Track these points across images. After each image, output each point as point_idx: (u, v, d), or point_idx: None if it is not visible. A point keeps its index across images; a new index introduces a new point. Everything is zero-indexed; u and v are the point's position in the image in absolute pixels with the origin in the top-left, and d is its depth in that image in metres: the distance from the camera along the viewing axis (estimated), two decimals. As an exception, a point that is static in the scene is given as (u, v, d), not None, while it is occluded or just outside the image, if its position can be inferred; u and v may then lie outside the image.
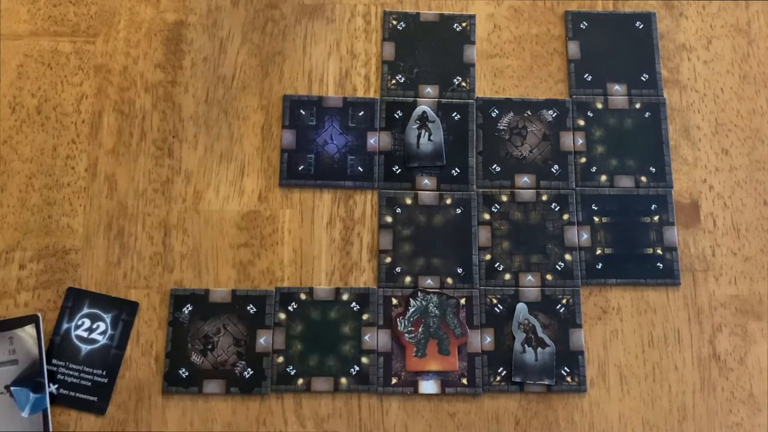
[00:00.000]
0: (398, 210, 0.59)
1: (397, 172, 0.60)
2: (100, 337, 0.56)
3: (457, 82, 0.62)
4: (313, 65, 0.62)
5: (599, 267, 0.58)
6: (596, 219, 0.59)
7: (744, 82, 0.63)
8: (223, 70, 0.62)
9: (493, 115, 0.61)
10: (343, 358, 0.56)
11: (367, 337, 0.56)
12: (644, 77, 0.62)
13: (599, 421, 0.56)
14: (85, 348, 0.55)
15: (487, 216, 0.59)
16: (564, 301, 0.58)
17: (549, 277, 0.58)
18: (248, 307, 0.57)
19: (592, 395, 0.56)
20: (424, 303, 0.57)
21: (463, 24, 0.63)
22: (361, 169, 0.60)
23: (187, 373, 0.55)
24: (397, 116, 0.61)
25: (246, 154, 0.60)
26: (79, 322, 0.56)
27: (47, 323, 0.56)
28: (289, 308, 0.57)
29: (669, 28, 0.64)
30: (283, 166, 0.60)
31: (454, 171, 0.60)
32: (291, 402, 0.56)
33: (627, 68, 0.62)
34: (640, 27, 0.64)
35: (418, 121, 0.61)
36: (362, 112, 0.61)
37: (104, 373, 0.55)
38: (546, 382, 0.56)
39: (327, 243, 0.58)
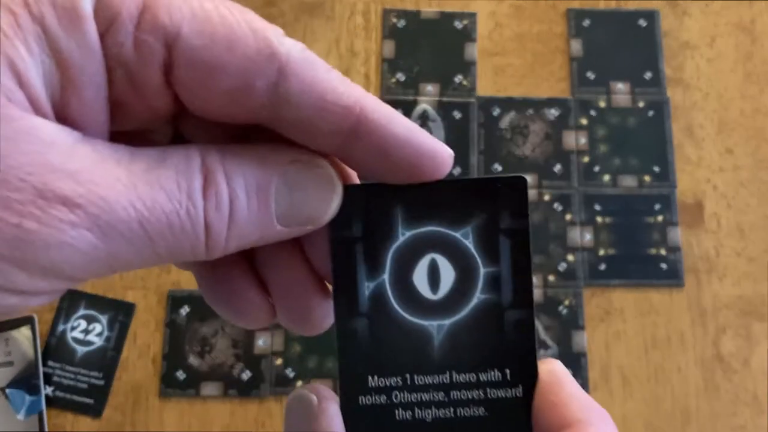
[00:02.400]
0: (398, 210, 0.59)
1: (398, 171, 0.59)
2: (96, 339, 0.55)
3: (458, 81, 0.61)
4: (313, 63, 0.61)
5: (602, 268, 0.58)
6: (599, 219, 0.59)
7: (748, 81, 0.62)
8: (221, 68, 0.61)
9: (495, 114, 0.61)
10: (342, 360, 0.56)
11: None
12: (647, 75, 0.62)
13: (602, 423, 0.55)
14: (81, 350, 0.55)
15: (488, 216, 0.59)
16: (566, 303, 0.57)
17: (551, 278, 0.58)
18: (246, 309, 0.56)
19: (595, 397, 0.55)
20: (424, 304, 0.57)
21: (464, 22, 0.63)
22: (361, 169, 0.59)
23: (184, 375, 0.55)
24: (397, 115, 0.60)
25: (244, 153, 0.59)
26: (75, 324, 0.55)
27: (43, 325, 0.55)
28: (288, 309, 0.56)
29: (672, 26, 0.63)
30: (281, 166, 0.59)
31: (455, 170, 0.59)
32: (290, 404, 0.55)
33: (630, 66, 0.62)
34: (644, 25, 0.63)
35: (419, 120, 0.60)
36: (362, 111, 0.60)
37: (101, 375, 0.55)
38: (548, 385, 0.56)
39: (326, 243, 0.58)
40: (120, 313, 0.56)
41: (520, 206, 0.22)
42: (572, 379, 0.22)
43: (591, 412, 0.22)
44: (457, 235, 0.22)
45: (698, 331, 0.57)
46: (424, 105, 0.61)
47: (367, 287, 0.22)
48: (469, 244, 0.22)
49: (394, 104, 0.61)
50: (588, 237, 0.58)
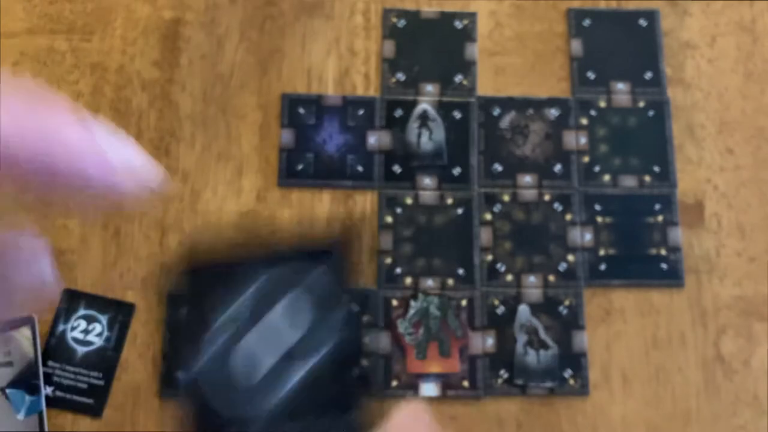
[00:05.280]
0: (398, 210, 0.58)
1: (398, 171, 0.59)
2: (96, 339, 0.55)
3: (458, 81, 0.61)
4: (312, 63, 0.61)
5: (602, 268, 0.58)
6: (599, 219, 0.59)
7: (749, 81, 0.62)
8: (221, 68, 0.61)
9: (495, 113, 0.61)
10: (342, 360, 0.55)
11: (367, 340, 0.56)
12: (648, 75, 0.62)
13: (602, 423, 0.55)
14: (81, 350, 0.55)
15: (488, 216, 0.59)
16: (566, 303, 0.57)
17: (551, 278, 0.57)
18: (246, 309, 0.56)
19: (595, 398, 0.56)
20: (424, 304, 0.57)
21: (465, 21, 0.63)
22: (361, 169, 0.59)
23: (184, 376, 0.55)
24: (397, 115, 0.60)
25: (244, 153, 0.59)
26: (75, 324, 0.55)
27: (43, 325, 0.55)
28: (288, 310, 0.56)
29: (673, 26, 0.63)
30: (281, 166, 0.59)
31: (455, 170, 0.59)
32: (290, 405, 0.55)
33: (630, 66, 0.62)
34: (644, 25, 0.63)
35: (419, 120, 0.60)
36: (362, 111, 0.60)
37: (100, 376, 0.55)
38: (548, 385, 0.55)
39: (326, 243, 0.58)
40: (120, 313, 0.56)
41: (340, 280, 0.23)
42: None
43: None
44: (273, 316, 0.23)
45: (699, 332, 0.57)
46: (425, 105, 0.60)
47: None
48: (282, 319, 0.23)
49: (394, 104, 0.61)
50: (588, 237, 0.58)
